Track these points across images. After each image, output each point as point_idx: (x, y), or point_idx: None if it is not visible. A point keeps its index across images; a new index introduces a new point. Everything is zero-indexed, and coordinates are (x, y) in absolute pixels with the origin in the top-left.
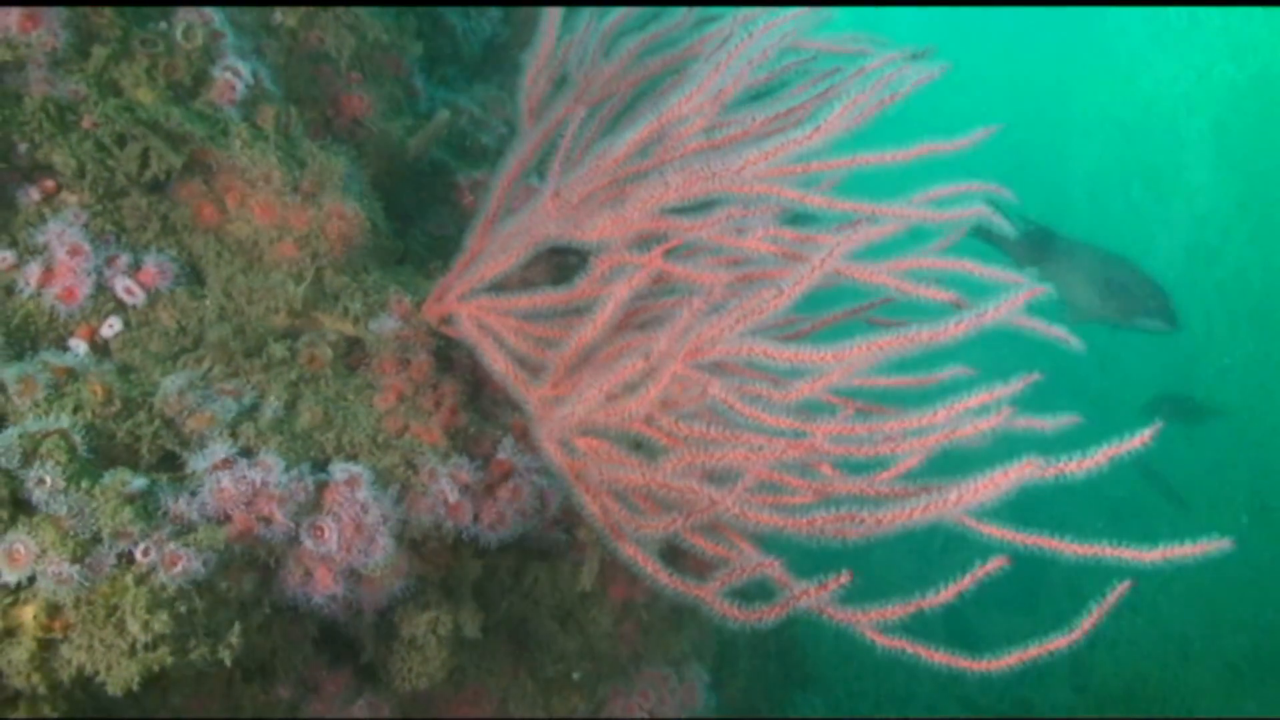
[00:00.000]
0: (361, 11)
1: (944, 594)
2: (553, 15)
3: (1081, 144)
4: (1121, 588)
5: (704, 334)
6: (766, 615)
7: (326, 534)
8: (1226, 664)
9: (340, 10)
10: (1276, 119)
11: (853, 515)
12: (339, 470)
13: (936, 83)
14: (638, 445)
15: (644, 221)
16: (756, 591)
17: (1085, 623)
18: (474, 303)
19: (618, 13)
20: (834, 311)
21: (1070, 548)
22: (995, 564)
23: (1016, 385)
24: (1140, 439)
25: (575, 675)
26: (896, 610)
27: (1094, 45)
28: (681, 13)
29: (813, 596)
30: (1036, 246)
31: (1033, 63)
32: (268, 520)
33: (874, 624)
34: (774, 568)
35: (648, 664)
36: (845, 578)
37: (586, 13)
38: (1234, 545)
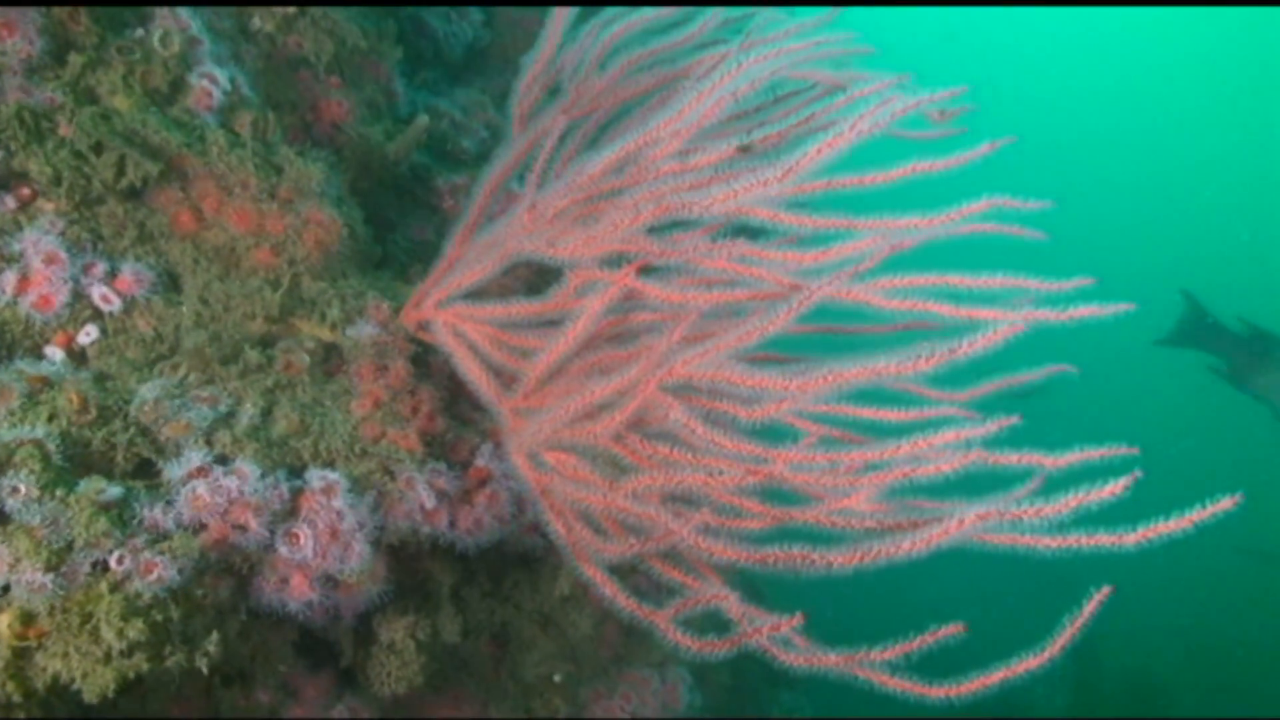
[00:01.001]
0: (341, 16)
1: (892, 651)
2: (558, 20)
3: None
4: (1101, 594)
5: (679, 363)
6: (717, 648)
7: (302, 541)
8: (1227, 656)
9: (319, 15)
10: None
11: (805, 555)
12: (315, 477)
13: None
14: (608, 461)
15: (614, 244)
16: (718, 617)
17: (1060, 640)
18: (450, 310)
19: (620, 24)
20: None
21: (1046, 541)
22: (950, 630)
23: (990, 427)
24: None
25: (556, 678)
26: (838, 660)
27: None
28: (683, 33)
29: (763, 635)
30: (1257, 353)
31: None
32: (243, 528)
33: (821, 668)
34: (729, 601)
35: (629, 666)
36: (798, 619)
37: (593, 21)
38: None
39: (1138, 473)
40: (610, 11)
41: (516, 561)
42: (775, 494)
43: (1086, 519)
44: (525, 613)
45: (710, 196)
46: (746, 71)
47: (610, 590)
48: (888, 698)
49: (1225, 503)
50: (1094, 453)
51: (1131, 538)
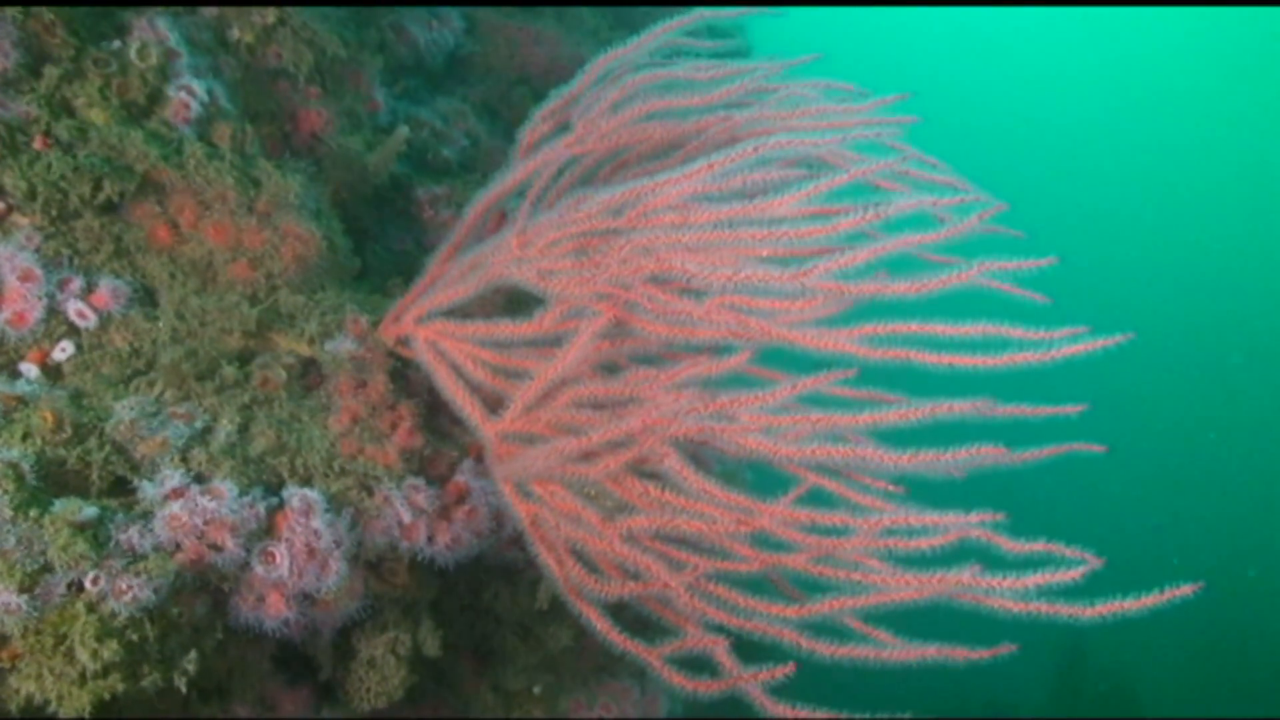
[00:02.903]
0: (321, 26)
1: None
2: (595, 68)
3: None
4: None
5: (686, 423)
6: (708, 688)
7: (278, 559)
8: (1210, 658)
9: (299, 25)
10: None
11: (781, 632)
12: (292, 495)
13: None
14: (597, 494)
15: (609, 287)
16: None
17: None
18: (431, 326)
19: (642, 74)
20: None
21: (1012, 604)
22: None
23: (973, 519)
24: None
25: (536, 689)
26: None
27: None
28: (699, 94)
29: (752, 682)
30: None
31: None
32: (219, 548)
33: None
34: (719, 647)
35: (610, 676)
36: (788, 669)
37: (618, 54)
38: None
39: (1096, 563)
40: (633, 56)
41: (496, 574)
42: (763, 539)
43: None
44: (505, 625)
45: (715, 272)
46: (761, 156)
47: (603, 627)
48: (871, 698)
49: (1185, 589)
50: (1054, 547)
51: (1088, 612)
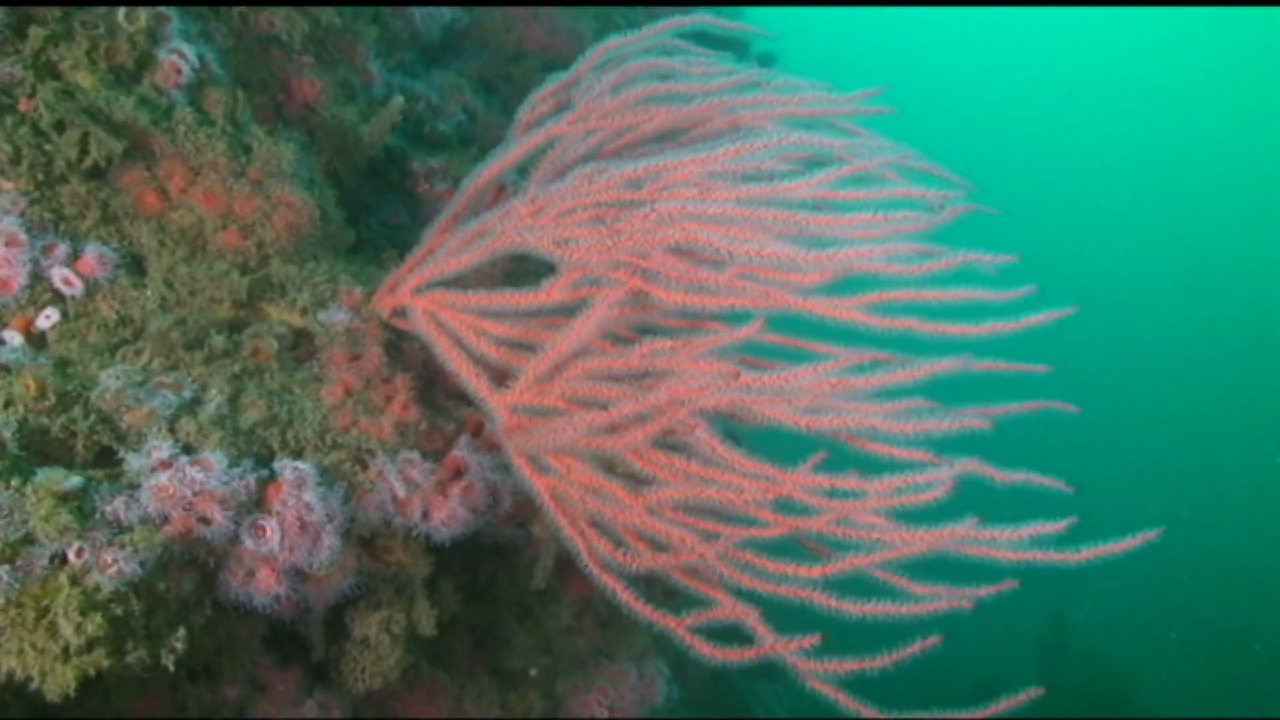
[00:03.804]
0: None
1: (881, 660)
2: (593, 56)
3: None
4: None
5: (717, 397)
6: (735, 656)
7: (269, 533)
8: (1190, 645)
9: None
10: None
11: (808, 594)
12: (284, 467)
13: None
14: (614, 465)
15: (629, 255)
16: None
17: None
18: (429, 296)
19: (646, 61)
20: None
21: (1009, 554)
22: (929, 643)
23: (957, 469)
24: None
25: (533, 671)
26: (848, 665)
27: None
28: (699, 83)
29: (785, 649)
30: None
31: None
32: (207, 520)
33: (825, 675)
34: (750, 616)
35: (607, 659)
36: (814, 639)
37: (620, 40)
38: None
39: (1074, 518)
40: (633, 46)
41: (492, 552)
42: (785, 505)
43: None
44: (502, 605)
45: (742, 245)
46: (780, 146)
47: (628, 598)
48: (866, 687)
49: (1150, 534)
50: (1034, 477)
51: (1074, 557)
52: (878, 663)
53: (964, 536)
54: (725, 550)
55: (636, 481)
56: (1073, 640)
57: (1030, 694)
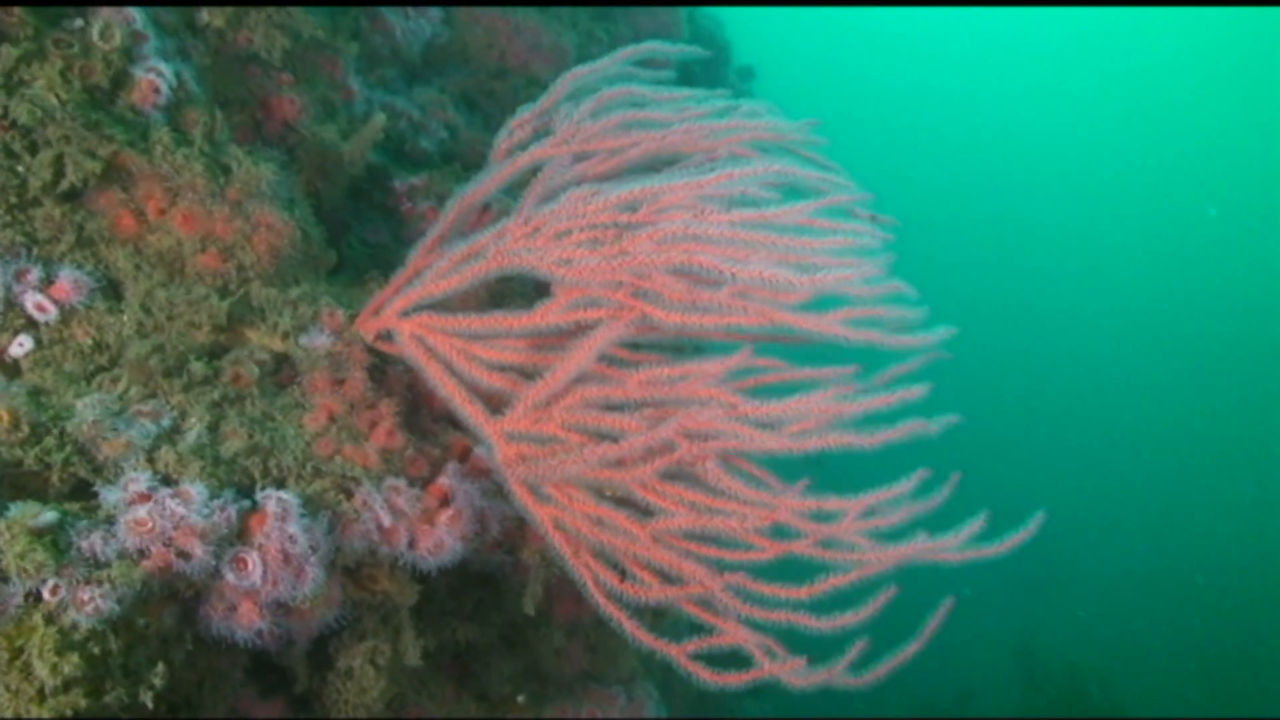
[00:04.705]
0: (295, 10)
1: (868, 676)
2: (566, 81)
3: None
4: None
5: (728, 440)
6: (735, 680)
7: (250, 566)
8: (1167, 651)
9: (272, 9)
10: None
11: (795, 617)
12: (267, 497)
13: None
14: (610, 496)
15: (631, 276)
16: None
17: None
18: (417, 319)
19: (620, 88)
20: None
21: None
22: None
23: (912, 482)
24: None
25: (520, 697)
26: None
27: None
28: (679, 109)
29: (780, 671)
30: None
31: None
32: (187, 554)
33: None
34: (749, 642)
35: (595, 683)
36: (803, 662)
37: (583, 75)
38: None
39: (985, 514)
40: (601, 71)
41: (480, 580)
42: (777, 530)
43: None
44: (489, 631)
45: (744, 268)
46: (760, 175)
47: (630, 627)
48: (849, 701)
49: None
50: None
51: (1004, 547)
52: (865, 680)
53: (926, 550)
54: (731, 581)
55: (632, 507)
56: (1051, 651)
57: None
